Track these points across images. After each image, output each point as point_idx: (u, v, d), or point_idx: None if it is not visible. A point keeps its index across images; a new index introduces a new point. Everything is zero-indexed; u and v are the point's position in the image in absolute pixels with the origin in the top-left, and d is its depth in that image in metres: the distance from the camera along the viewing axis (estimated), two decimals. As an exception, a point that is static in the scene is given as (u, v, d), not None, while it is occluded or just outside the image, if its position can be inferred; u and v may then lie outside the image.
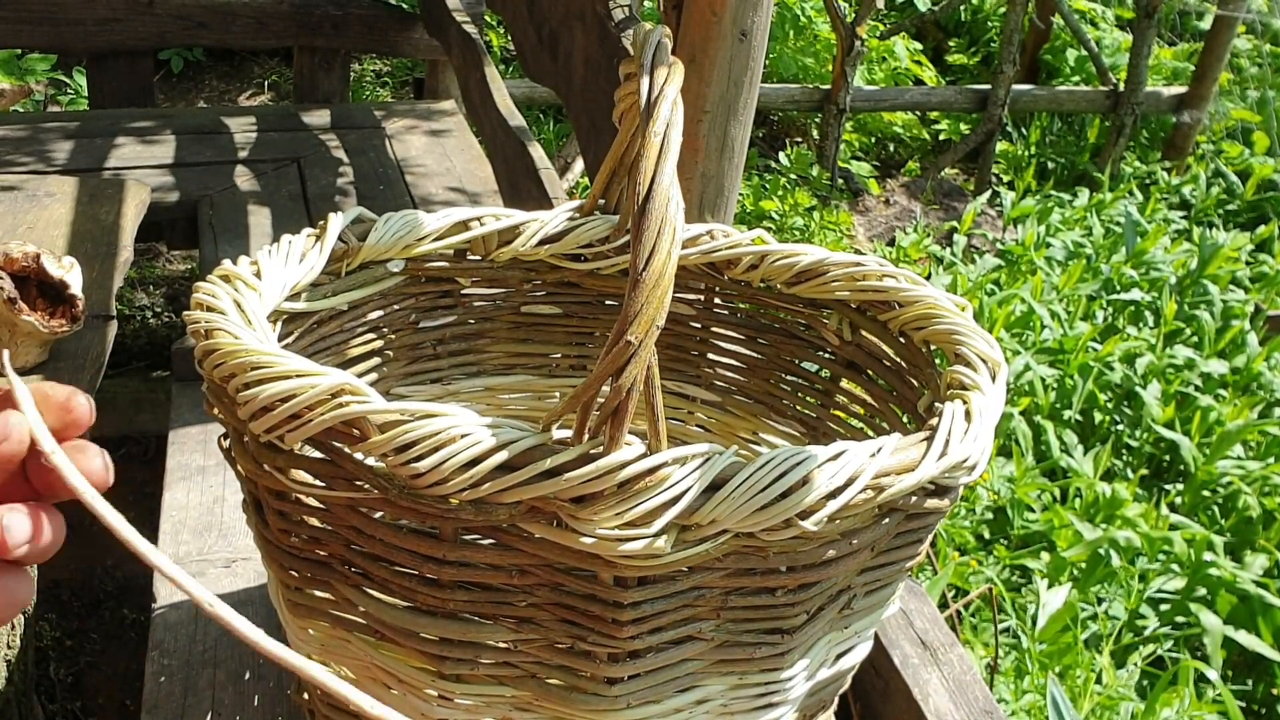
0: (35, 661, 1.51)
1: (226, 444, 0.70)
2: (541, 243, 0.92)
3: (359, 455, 0.59)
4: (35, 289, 1.34)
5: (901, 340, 0.85)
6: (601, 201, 0.91)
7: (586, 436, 0.56)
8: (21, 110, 3.58)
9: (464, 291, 0.95)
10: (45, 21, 2.65)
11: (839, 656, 0.75)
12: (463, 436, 0.56)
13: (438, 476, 0.56)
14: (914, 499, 0.64)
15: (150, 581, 1.04)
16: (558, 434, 0.57)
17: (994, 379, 0.71)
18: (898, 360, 0.86)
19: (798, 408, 0.96)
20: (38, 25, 2.65)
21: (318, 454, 0.62)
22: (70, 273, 1.35)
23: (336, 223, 0.82)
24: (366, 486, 0.60)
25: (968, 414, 0.66)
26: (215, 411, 0.66)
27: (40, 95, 4.00)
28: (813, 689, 0.75)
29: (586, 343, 1.02)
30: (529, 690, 0.66)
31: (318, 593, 0.68)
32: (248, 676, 0.93)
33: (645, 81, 0.59)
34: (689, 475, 0.56)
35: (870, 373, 0.90)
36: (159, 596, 1.02)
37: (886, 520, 0.64)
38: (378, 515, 0.63)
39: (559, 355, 1.02)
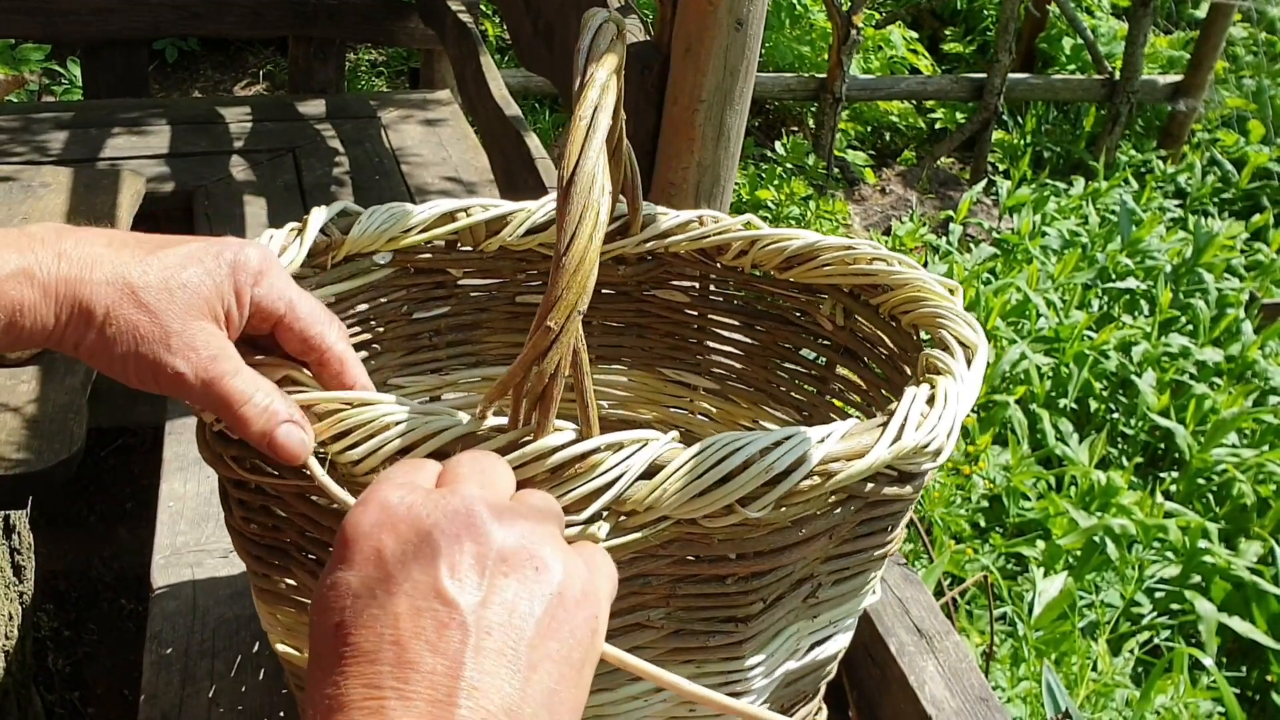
0: (34, 652, 1.52)
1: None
2: (529, 232, 0.91)
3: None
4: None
5: (892, 324, 0.85)
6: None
7: (521, 423, 0.56)
8: (16, 100, 3.57)
9: (459, 282, 0.95)
10: (40, 11, 2.64)
11: (813, 646, 0.74)
12: (395, 424, 0.56)
13: (371, 465, 0.56)
14: (870, 486, 0.63)
15: (148, 572, 1.04)
16: (495, 420, 0.57)
17: (969, 363, 0.69)
18: (891, 345, 0.86)
19: (794, 395, 0.96)
20: (32, 15, 2.64)
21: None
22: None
23: (319, 216, 0.81)
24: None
25: (931, 399, 0.65)
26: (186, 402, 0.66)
27: (35, 85, 3.99)
28: (785, 679, 0.74)
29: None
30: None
31: (280, 579, 0.69)
32: (246, 667, 0.94)
33: (579, 64, 0.59)
34: (623, 461, 0.56)
35: (865, 358, 0.89)
36: (157, 587, 1.02)
37: (841, 509, 0.63)
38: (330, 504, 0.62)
39: (555, 344, 1.02)
